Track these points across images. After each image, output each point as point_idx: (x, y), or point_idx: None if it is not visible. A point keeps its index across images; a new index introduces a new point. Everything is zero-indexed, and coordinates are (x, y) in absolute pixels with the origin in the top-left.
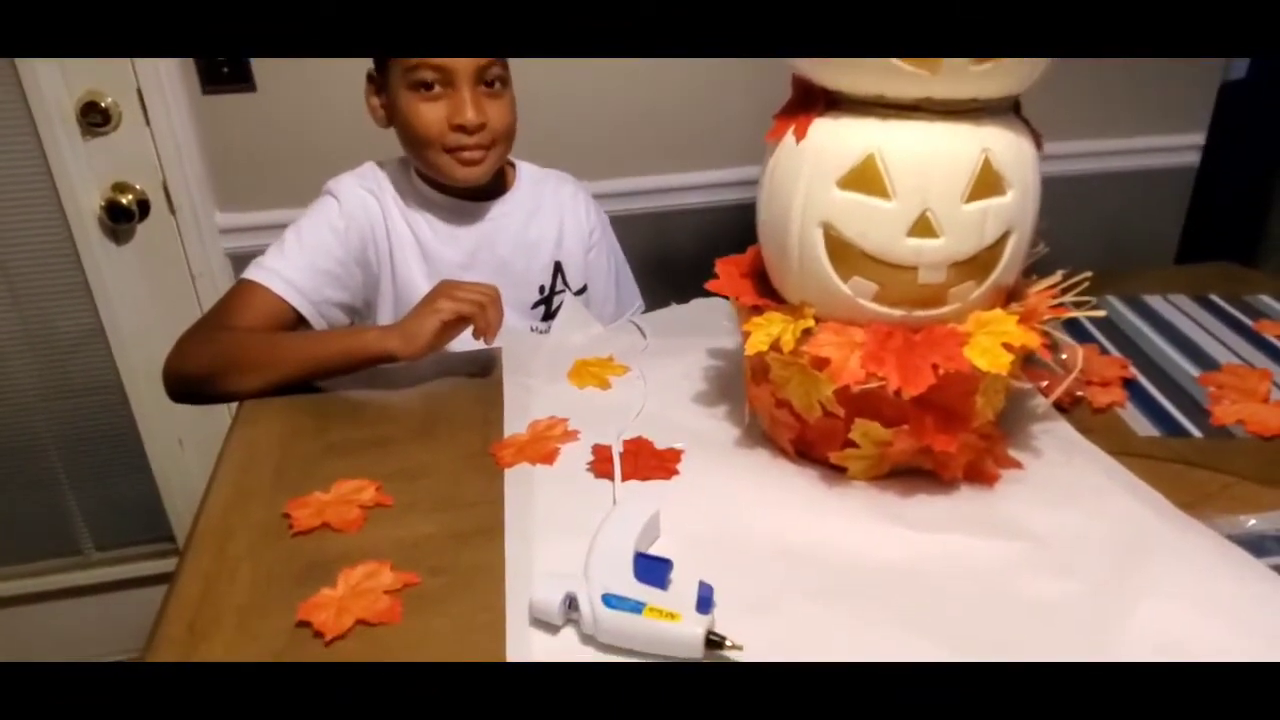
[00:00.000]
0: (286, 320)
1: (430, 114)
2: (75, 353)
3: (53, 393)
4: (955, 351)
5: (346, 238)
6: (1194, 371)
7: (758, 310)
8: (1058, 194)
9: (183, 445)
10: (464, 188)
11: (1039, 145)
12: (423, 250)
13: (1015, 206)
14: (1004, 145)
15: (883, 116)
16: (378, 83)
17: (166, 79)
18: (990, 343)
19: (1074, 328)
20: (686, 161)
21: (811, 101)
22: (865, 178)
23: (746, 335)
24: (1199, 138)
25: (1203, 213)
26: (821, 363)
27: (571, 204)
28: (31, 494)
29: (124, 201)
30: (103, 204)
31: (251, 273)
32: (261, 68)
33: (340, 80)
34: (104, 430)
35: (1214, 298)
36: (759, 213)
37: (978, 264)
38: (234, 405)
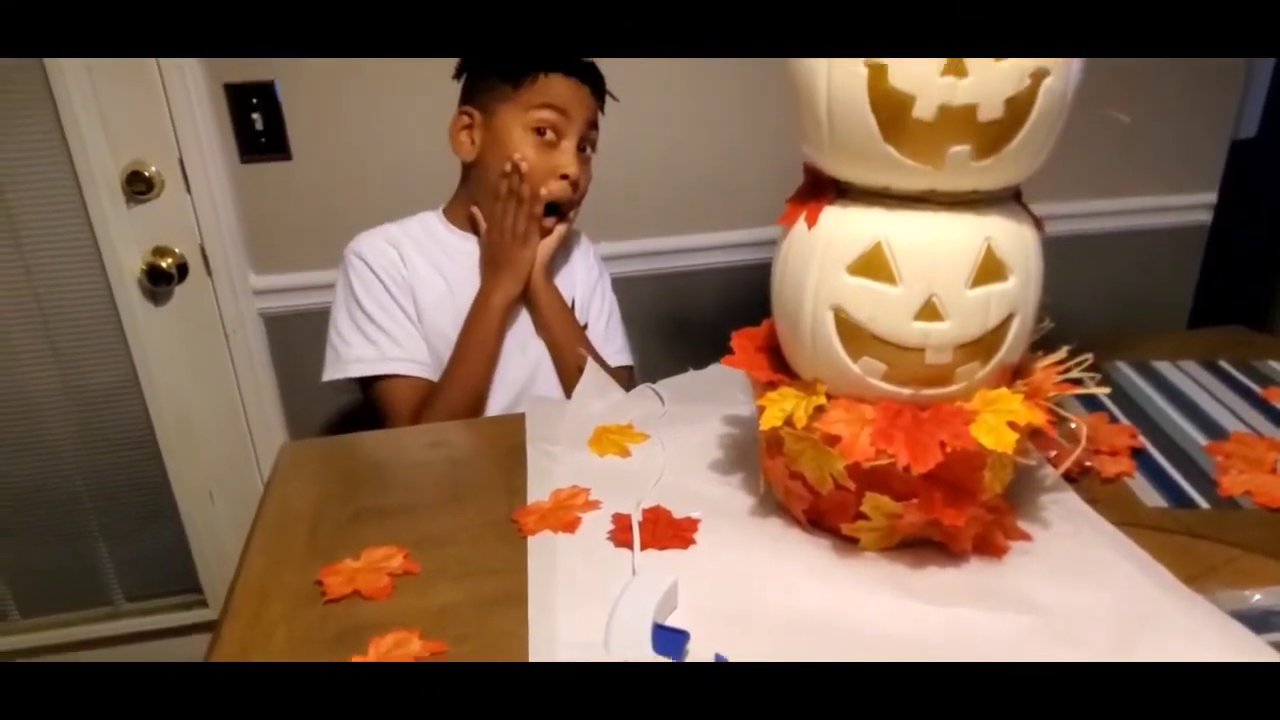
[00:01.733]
0: (425, 384)
1: (538, 157)
2: (111, 408)
3: (88, 446)
4: (962, 430)
5: (391, 284)
6: (1202, 440)
7: (772, 385)
8: (1072, 253)
9: (213, 498)
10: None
11: (1040, 230)
12: (450, 288)
13: (1017, 291)
14: (1005, 233)
15: (889, 207)
16: (473, 118)
17: (207, 148)
18: (996, 421)
19: (1086, 399)
20: (705, 222)
21: (822, 189)
22: (874, 265)
23: (761, 410)
24: (1211, 197)
25: (1216, 271)
26: (833, 439)
27: (581, 249)
28: (64, 545)
29: (163, 265)
30: (143, 267)
31: (366, 369)
32: (297, 138)
33: (370, 150)
34: (136, 483)
35: (1223, 364)
36: (773, 291)
37: (982, 346)
38: (263, 462)
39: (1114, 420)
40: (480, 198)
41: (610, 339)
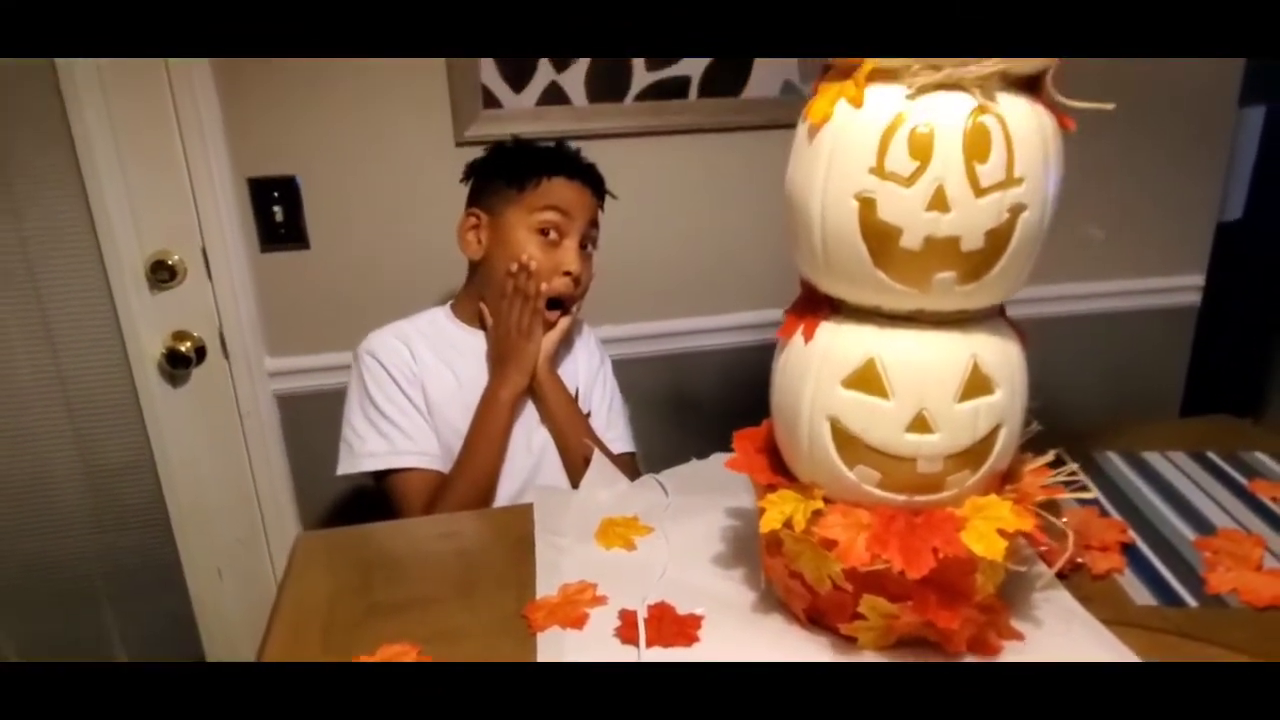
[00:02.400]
0: (436, 476)
1: (544, 256)
2: (125, 486)
3: (100, 523)
4: (954, 536)
5: (402, 379)
6: (1190, 535)
7: (772, 488)
8: (1065, 334)
9: (221, 575)
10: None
11: (1023, 341)
12: (459, 382)
13: (1004, 403)
14: (990, 349)
15: (881, 325)
16: (480, 219)
17: (229, 238)
18: (986, 528)
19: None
20: (706, 305)
21: (818, 304)
22: (867, 379)
23: (762, 512)
24: (1199, 278)
25: (1207, 351)
26: (830, 543)
27: (583, 338)
28: (72, 615)
29: (182, 349)
30: (163, 351)
31: (379, 463)
32: (316, 228)
33: (384, 241)
34: (146, 559)
35: (1211, 455)
36: (772, 398)
37: (972, 455)
38: (272, 539)
39: (1104, 514)
40: (487, 294)
41: (612, 425)
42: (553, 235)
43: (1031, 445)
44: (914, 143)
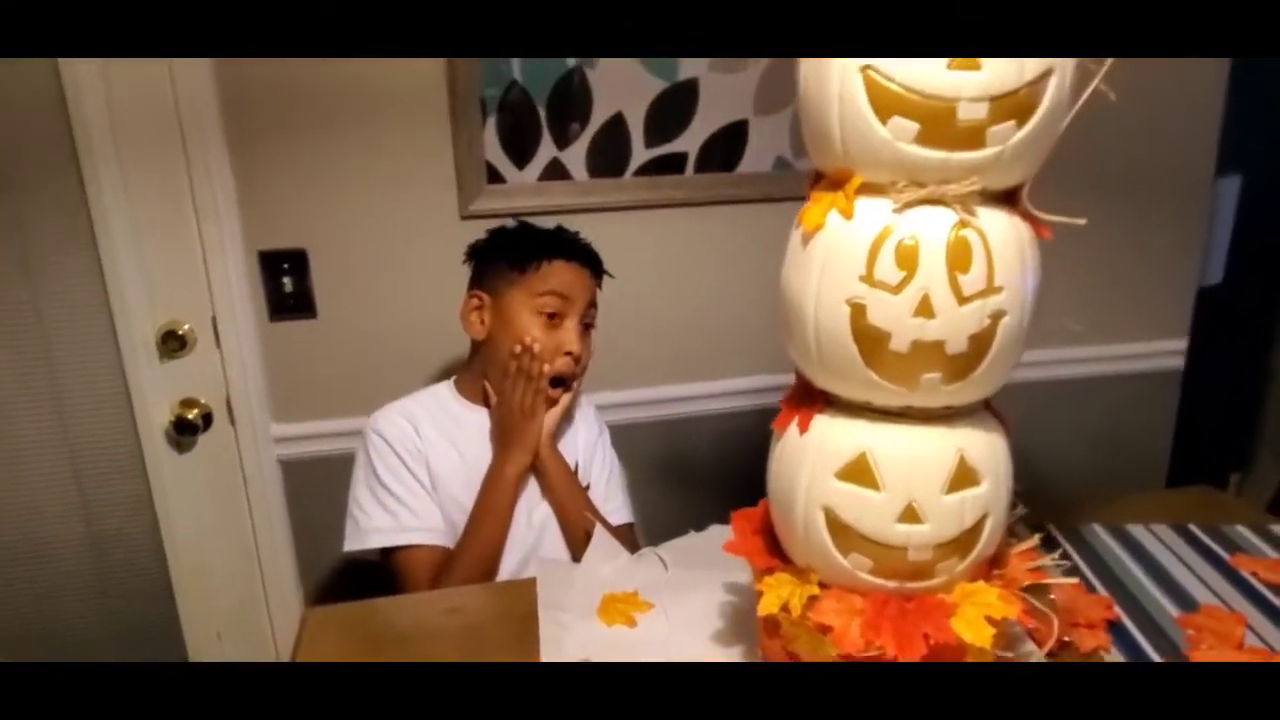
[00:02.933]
0: (441, 551)
1: (546, 336)
2: (128, 549)
3: (103, 585)
4: (944, 623)
5: (407, 456)
6: (1174, 611)
7: (769, 570)
8: (1051, 398)
9: (220, 637)
10: None
11: (1008, 432)
12: (463, 459)
13: (989, 494)
14: (976, 443)
15: (872, 419)
16: (483, 300)
17: (239, 308)
18: (974, 615)
19: (1062, 558)
20: (702, 371)
21: (812, 397)
22: (859, 472)
23: (759, 594)
24: (1181, 343)
25: (1193, 412)
26: (826, 628)
27: (582, 410)
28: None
29: (190, 416)
30: (171, 419)
31: (384, 539)
32: (324, 298)
33: (391, 313)
34: (146, 619)
35: (1194, 528)
36: (769, 484)
37: (959, 544)
38: (272, 602)
39: (1091, 589)
40: (490, 372)
41: (610, 497)
42: (554, 317)
43: (1026, 492)
44: (901, 254)
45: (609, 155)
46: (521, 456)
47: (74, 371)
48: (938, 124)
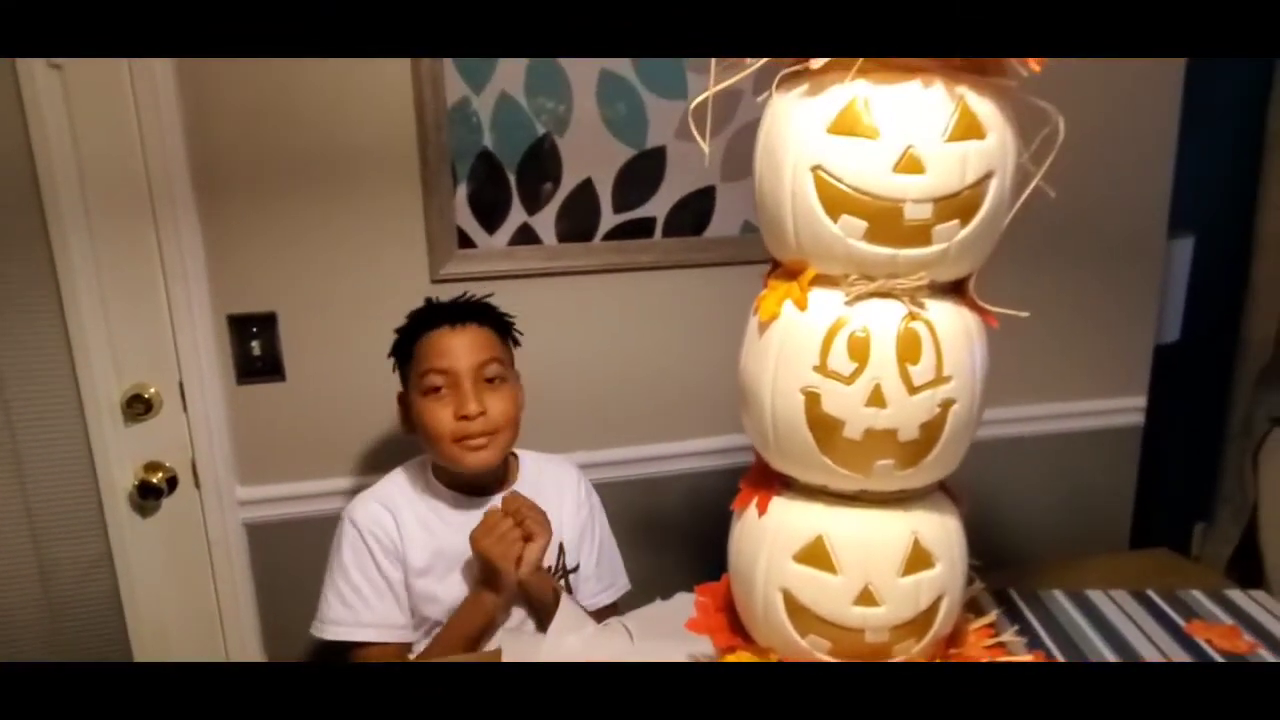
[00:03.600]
0: (395, 650)
1: (440, 412)
2: (89, 614)
3: (61, 647)
4: None
5: (380, 550)
6: None
7: (731, 649)
8: (1014, 455)
9: None
10: (474, 483)
11: (961, 510)
12: (439, 552)
13: (944, 576)
14: (930, 525)
15: (829, 503)
16: (404, 400)
17: (206, 371)
18: None
19: (1025, 631)
20: (672, 432)
21: (770, 479)
22: (816, 555)
23: None
24: (1140, 400)
25: (1154, 468)
26: None
27: (572, 489)
28: None
29: (154, 480)
30: (135, 483)
31: (340, 633)
32: (292, 361)
33: (361, 372)
34: None
35: (1151, 594)
36: (729, 562)
37: (916, 625)
38: None
39: (1051, 658)
40: (430, 454)
41: (600, 576)
42: (443, 392)
43: (984, 575)
44: (853, 346)
45: (578, 220)
46: (500, 595)
47: (36, 434)
48: (885, 223)
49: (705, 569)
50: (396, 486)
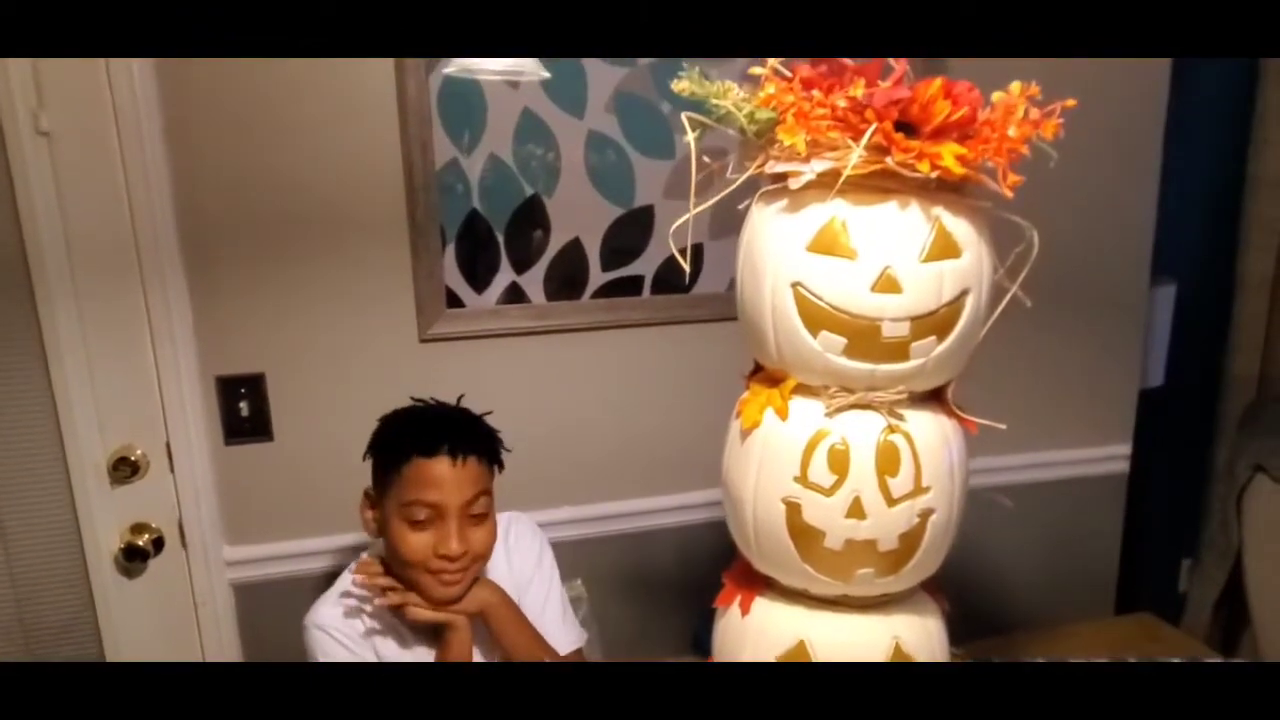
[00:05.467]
0: None
1: (418, 542)
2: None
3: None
4: None
5: (352, 643)
6: None
7: None
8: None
9: None
10: None
11: (944, 614)
12: (406, 647)
13: None
14: (911, 630)
15: (810, 606)
16: (372, 499)
17: (194, 433)
18: None
19: None
20: (659, 486)
21: (753, 578)
22: (798, 659)
23: None
24: (1125, 447)
25: (1141, 513)
26: None
27: (516, 545)
28: None
29: (140, 542)
30: (121, 546)
31: None
32: (280, 421)
33: (350, 431)
34: None
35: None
36: (714, 657)
37: None
38: None
39: None
40: (395, 567)
41: (550, 623)
42: (425, 522)
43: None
44: (833, 458)
45: (567, 279)
46: (462, 638)
47: (20, 496)
48: (864, 340)
49: (693, 625)
50: (354, 590)
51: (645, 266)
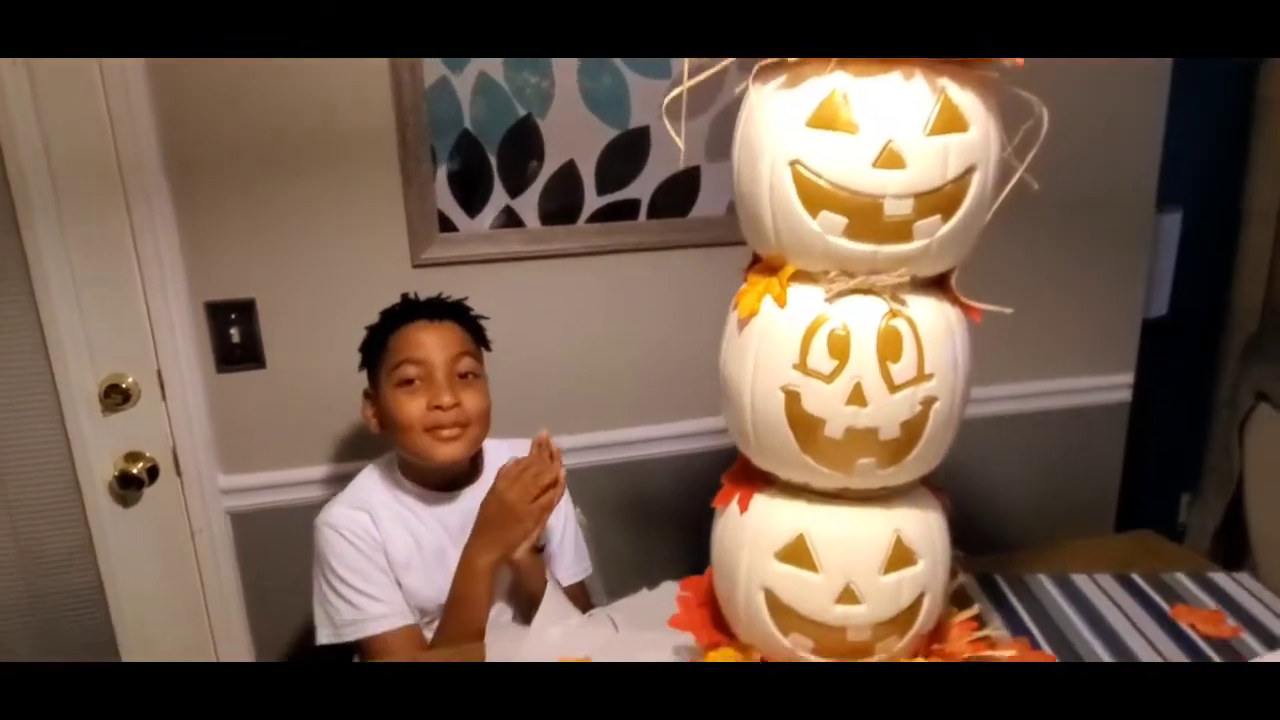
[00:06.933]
0: (415, 630)
1: (412, 404)
2: (72, 607)
3: (48, 643)
4: None
5: (364, 545)
6: None
7: (714, 645)
8: (1002, 433)
9: None
10: (443, 478)
11: (945, 506)
12: (419, 549)
13: (926, 573)
14: (912, 523)
15: (810, 500)
16: (372, 398)
17: (185, 360)
18: None
19: (1010, 617)
20: (658, 414)
21: (752, 475)
22: (798, 554)
23: None
24: (1128, 376)
25: (1142, 443)
26: None
27: None
28: None
29: (134, 470)
30: (115, 474)
31: (355, 631)
32: (272, 348)
33: (342, 358)
34: None
35: (1136, 578)
36: (713, 558)
37: (898, 623)
38: (222, 656)
39: (1035, 645)
40: (399, 445)
41: (562, 554)
42: (416, 384)
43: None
44: (833, 344)
45: (561, 203)
46: (498, 550)
47: (11, 425)
48: (865, 219)
49: (692, 553)
50: (366, 488)
51: (642, 190)
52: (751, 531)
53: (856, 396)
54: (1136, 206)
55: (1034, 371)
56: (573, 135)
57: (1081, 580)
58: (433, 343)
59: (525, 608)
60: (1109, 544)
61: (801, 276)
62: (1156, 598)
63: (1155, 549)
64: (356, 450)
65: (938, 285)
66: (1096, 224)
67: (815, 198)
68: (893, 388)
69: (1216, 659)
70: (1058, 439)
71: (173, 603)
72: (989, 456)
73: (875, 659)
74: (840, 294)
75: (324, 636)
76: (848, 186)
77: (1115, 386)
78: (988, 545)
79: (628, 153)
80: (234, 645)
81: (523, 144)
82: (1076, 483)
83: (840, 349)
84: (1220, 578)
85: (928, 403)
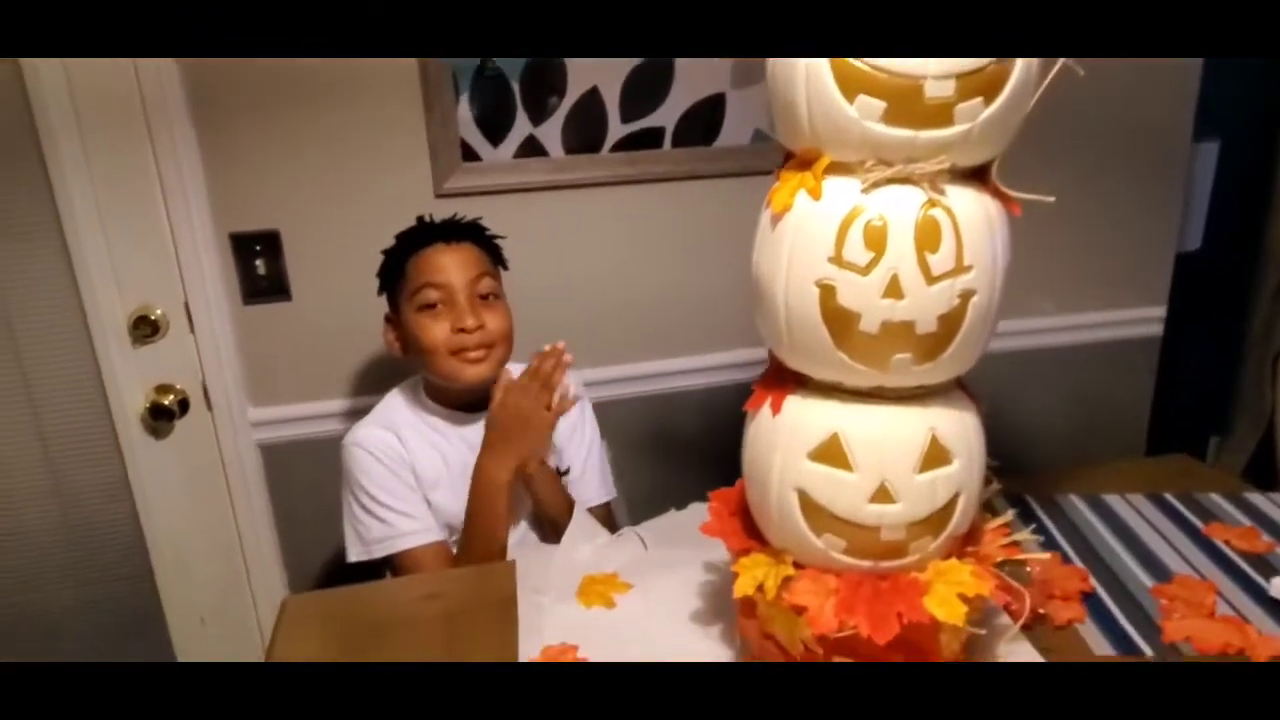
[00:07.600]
0: (444, 545)
1: (436, 328)
2: (107, 537)
3: (82, 574)
4: (917, 602)
5: (392, 463)
6: (1148, 581)
7: (746, 552)
8: (1032, 366)
9: (204, 621)
10: (468, 399)
11: (980, 409)
12: (446, 467)
13: (961, 473)
14: (948, 422)
15: (844, 400)
16: (394, 321)
17: (212, 293)
18: (948, 593)
19: (1041, 534)
20: (683, 347)
21: (785, 378)
22: (831, 453)
23: (735, 576)
24: (1160, 309)
25: (1172, 379)
26: (801, 609)
27: (559, 389)
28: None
29: (165, 402)
30: (147, 405)
31: (385, 548)
32: (298, 280)
33: (368, 289)
34: (128, 607)
35: (1169, 497)
36: (744, 465)
37: (932, 523)
38: (255, 586)
39: (1067, 560)
40: (425, 369)
41: (588, 478)
42: (438, 307)
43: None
44: (869, 235)
45: (585, 131)
46: (511, 461)
47: (43, 358)
48: (904, 102)
49: (718, 484)
50: (392, 409)
51: (666, 118)
52: (785, 433)
53: (893, 289)
54: (1173, 136)
55: (1066, 303)
56: (596, 63)
57: (1113, 500)
58: (452, 265)
59: (549, 532)
60: (1142, 466)
61: (837, 169)
62: (1191, 516)
63: (1189, 470)
64: (383, 382)
65: (977, 178)
66: (1131, 154)
67: (853, 81)
68: (930, 279)
69: (1252, 574)
70: (1087, 373)
71: (207, 532)
72: (1018, 391)
73: (909, 560)
74: (877, 184)
75: (354, 554)
76: (887, 68)
77: (1147, 320)
78: (1017, 475)
79: (651, 80)
80: (266, 574)
81: (545, 71)
82: (1105, 418)
83: (877, 240)
84: (1256, 497)
85: (966, 295)
